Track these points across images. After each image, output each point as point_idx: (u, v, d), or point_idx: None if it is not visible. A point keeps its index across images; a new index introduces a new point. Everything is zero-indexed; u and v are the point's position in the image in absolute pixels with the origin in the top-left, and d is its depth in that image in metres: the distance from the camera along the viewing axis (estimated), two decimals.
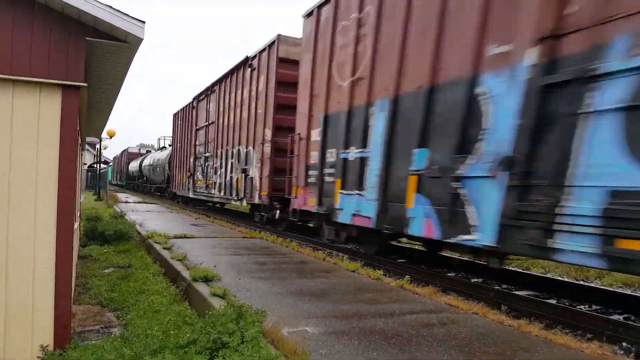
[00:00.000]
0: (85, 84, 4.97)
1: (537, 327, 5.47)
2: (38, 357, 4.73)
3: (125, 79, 6.67)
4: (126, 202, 29.03)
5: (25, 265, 4.75)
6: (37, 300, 4.81)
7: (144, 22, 4.90)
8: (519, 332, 5.16)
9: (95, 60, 5.90)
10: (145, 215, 19.05)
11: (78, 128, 6.78)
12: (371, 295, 6.52)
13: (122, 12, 4.83)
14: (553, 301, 7.31)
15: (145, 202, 29.28)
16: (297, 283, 7.04)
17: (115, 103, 8.28)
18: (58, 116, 4.88)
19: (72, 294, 6.76)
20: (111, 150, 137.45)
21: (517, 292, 7.73)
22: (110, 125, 29.76)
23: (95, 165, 37.29)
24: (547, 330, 5.45)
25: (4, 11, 4.61)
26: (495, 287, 8.22)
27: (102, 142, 30.04)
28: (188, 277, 7.11)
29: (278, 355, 3.87)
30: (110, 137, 28.69)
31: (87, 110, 9.08)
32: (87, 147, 45.00)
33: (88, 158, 46.44)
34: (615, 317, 6.69)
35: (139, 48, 5.24)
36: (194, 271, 7.20)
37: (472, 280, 8.96)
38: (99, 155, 31.37)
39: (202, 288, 6.45)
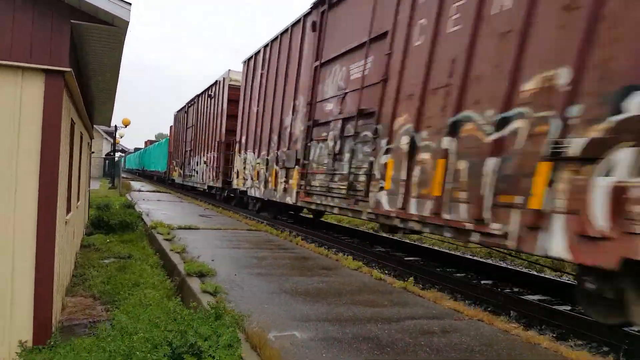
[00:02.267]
0: (69, 69, 4.71)
1: (547, 338, 5.09)
2: (16, 352, 4.54)
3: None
4: (139, 190, 29.07)
5: (4, 257, 4.55)
6: (16, 294, 4.61)
7: (129, 4, 4.63)
8: (527, 343, 4.79)
9: (86, 45, 5.66)
10: (156, 205, 18.94)
11: (74, 115, 6.56)
12: (371, 296, 6.20)
13: None
14: (566, 308, 6.90)
15: (158, 192, 29.27)
16: (294, 281, 6.74)
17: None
18: (41, 102, 4.64)
19: (65, 285, 6.59)
20: (128, 139, 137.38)
21: (527, 297, 7.34)
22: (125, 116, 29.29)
23: (112, 154, 37.48)
24: (557, 341, 5.07)
25: None
26: (506, 291, 7.85)
27: (117, 131, 30.11)
28: (183, 270, 6.88)
29: None
30: (125, 126, 28.66)
31: (87, 97, 8.88)
32: (104, 136, 45.43)
33: (105, 147, 46.87)
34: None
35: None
36: (189, 265, 6.96)
37: (482, 282, 8.58)
38: (114, 144, 31.49)
39: (195, 284, 6.20)
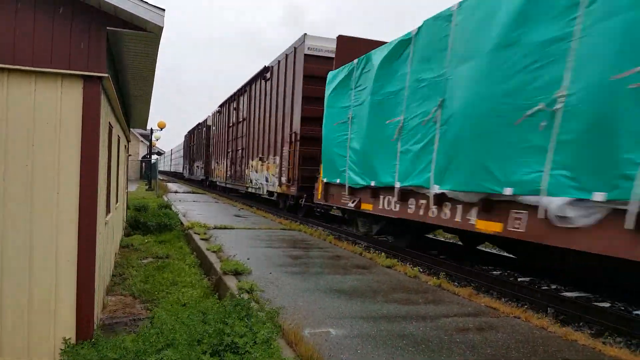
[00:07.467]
0: (106, 75, 4.87)
1: (585, 335, 4.99)
2: (61, 349, 4.73)
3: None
4: (175, 192, 29.66)
5: (48, 257, 4.73)
6: (59, 292, 4.79)
7: (163, 10, 4.75)
8: (563, 340, 4.70)
9: (123, 51, 5.83)
10: (191, 206, 19.30)
11: (111, 119, 6.77)
12: (405, 294, 6.18)
13: (141, 0, 4.69)
14: (605, 305, 6.71)
15: (194, 192, 29.81)
16: (329, 279, 6.78)
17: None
18: (79, 107, 4.81)
19: (105, 285, 6.80)
20: (164, 141, 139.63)
21: (566, 294, 7.17)
22: (160, 117, 29.99)
23: (148, 156, 38.35)
24: (595, 338, 4.96)
25: (25, 2, 4.56)
26: (543, 288, 7.68)
27: (153, 134, 30.79)
28: (219, 269, 7.01)
29: (291, 359, 3.64)
30: (161, 129, 29.32)
31: (124, 101, 9.14)
32: (140, 139, 46.56)
33: (142, 150, 48.04)
34: None
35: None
36: (225, 264, 7.08)
37: (519, 279, 8.42)
38: (150, 146, 32.25)
39: (231, 282, 6.31)
